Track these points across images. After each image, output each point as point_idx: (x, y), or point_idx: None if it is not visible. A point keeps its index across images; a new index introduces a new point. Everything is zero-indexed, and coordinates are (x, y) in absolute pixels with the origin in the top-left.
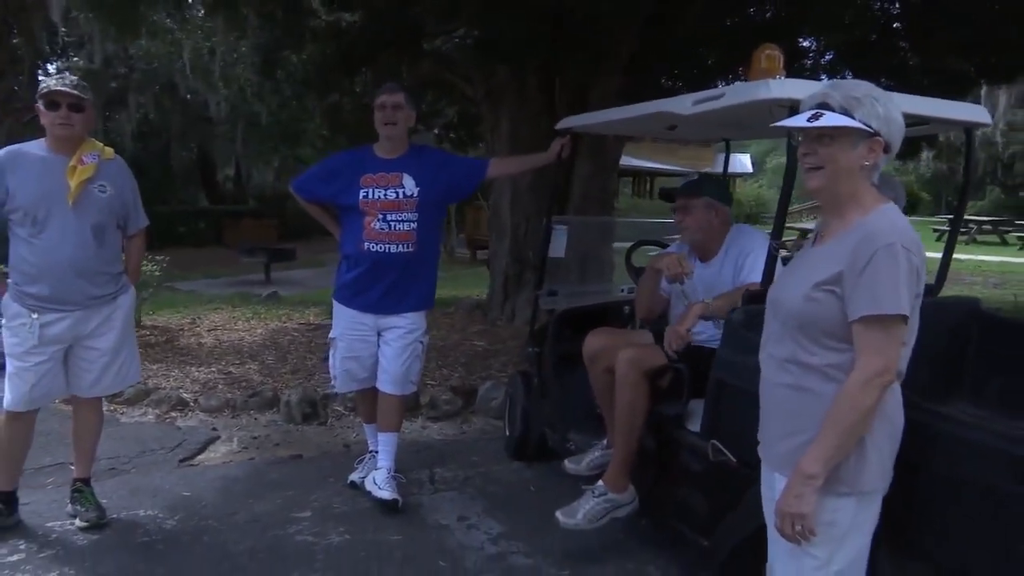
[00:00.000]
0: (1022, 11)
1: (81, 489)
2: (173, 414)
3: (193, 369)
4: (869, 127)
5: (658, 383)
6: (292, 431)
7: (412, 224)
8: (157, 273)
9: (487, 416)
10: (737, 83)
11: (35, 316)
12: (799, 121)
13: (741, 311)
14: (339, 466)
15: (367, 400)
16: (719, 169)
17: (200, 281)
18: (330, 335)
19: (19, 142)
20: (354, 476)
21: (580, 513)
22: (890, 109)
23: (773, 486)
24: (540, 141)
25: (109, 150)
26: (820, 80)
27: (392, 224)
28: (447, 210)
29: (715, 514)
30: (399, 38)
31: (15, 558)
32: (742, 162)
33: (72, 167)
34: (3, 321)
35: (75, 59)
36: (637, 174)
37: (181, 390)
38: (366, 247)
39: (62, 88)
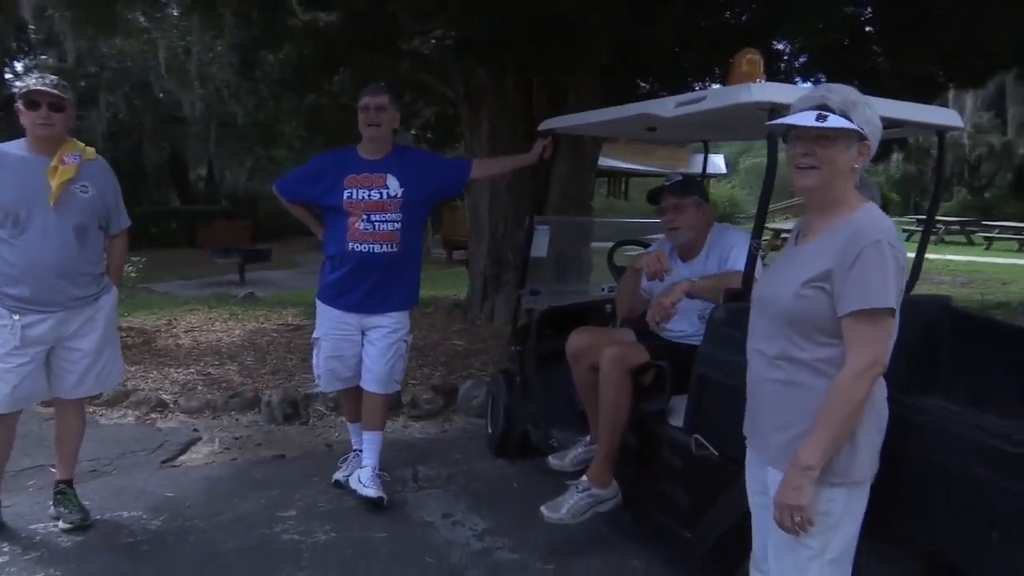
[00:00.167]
0: (991, 17)
1: (64, 491)
2: (153, 415)
3: (172, 370)
4: (862, 130)
5: (641, 380)
6: (274, 431)
7: (396, 224)
8: (133, 274)
9: (468, 415)
10: (719, 87)
11: (16, 318)
12: (808, 120)
13: (723, 309)
14: (322, 465)
15: (351, 399)
16: (693, 169)
17: (174, 282)
18: (314, 335)
19: None
20: (338, 475)
21: (564, 508)
22: (874, 113)
23: (764, 480)
24: (519, 142)
25: (91, 150)
26: (795, 83)
27: (376, 224)
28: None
29: (698, 507)
30: (377, 38)
31: (0, 560)
32: (716, 163)
33: (53, 167)
34: None
35: (43, 57)
36: (611, 174)
37: (160, 391)
38: (350, 247)
39: (42, 88)
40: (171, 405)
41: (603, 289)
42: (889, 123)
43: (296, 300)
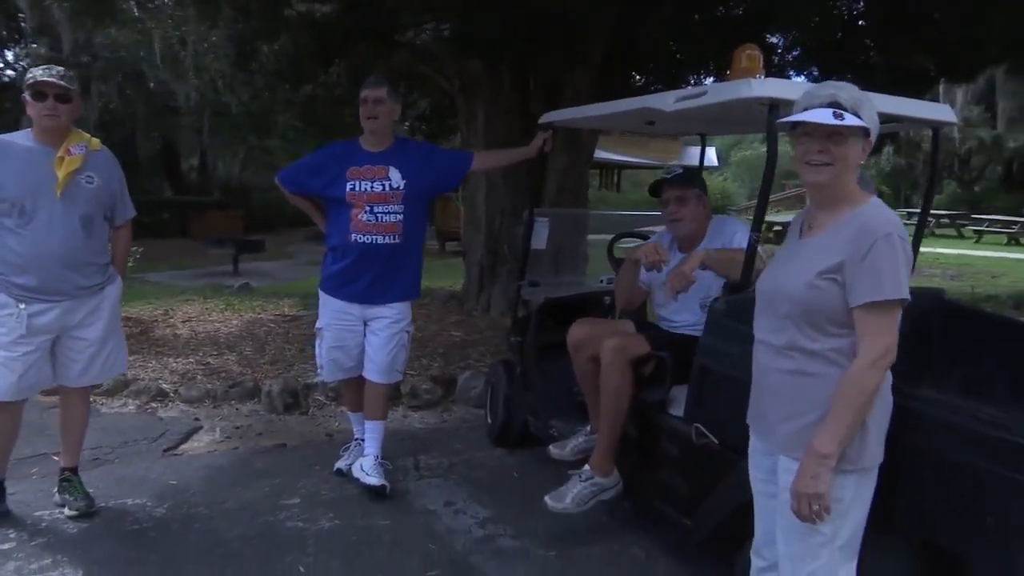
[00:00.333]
0: (982, 12)
1: (69, 479)
2: (153, 404)
3: (171, 360)
4: (868, 127)
5: (641, 370)
6: (274, 421)
7: (398, 216)
8: (130, 264)
9: (467, 405)
10: (715, 82)
11: (22, 306)
12: (827, 117)
13: (723, 300)
14: (323, 454)
15: (352, 389)
16: (684, 161)
17: (167, 272)
18: (317, 325)
19: None
20: (340, 464)
21: (568, 497)
22: (875, 110)
23: (769, 468)
24: (515, 134)
25: (96, 141)
26: (788, 77)
27: (379, 216)
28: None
29: (698, 495)
30: (374, 30)
31: (6, 546)
32: (708, 156)
33: (60, 158)
34: None
35: (34, 45)
36: (604, 166)
37: (160, 381)
38: (353, 238)
39: (49, 79)
40: (171, 394)
41: (601, 281)
42: (886, 118)
43: (291, 291)
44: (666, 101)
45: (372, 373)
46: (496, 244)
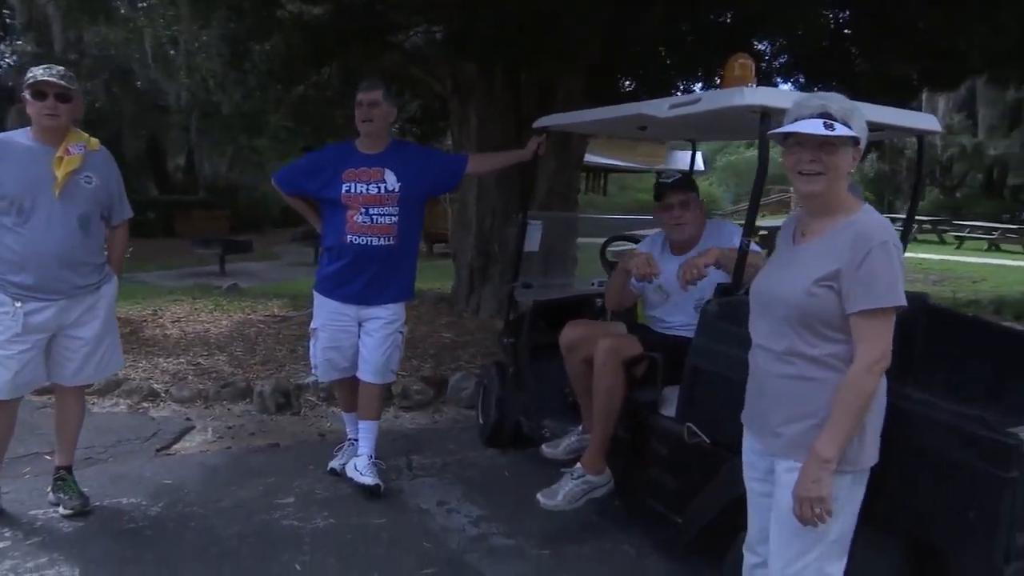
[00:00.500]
0: (964, 24)
1: (64, 477)
2: (145, 404)
3: (161, 360)
4: (858, 137)
5: (634, 371)
6: (266, 421)
7: (394, 218)
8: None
9: (458, 406)
10: (705, 90)
11: (19, 305)
12: (817, 128)
13: (716, 303)
14: (316, 454)
15: (347, 389)
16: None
17: (154, 272)
18: (311, 325)
19: None
20: (334, 463)
21: (560, 494)
22: (863, 119)
23: (764, 468)
24: (508, 137)
25: (95, 141)
26: (776, 84)
27: (374, 218)
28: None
29: (688, 493)
30: (366, 31)
31: (2, 545)
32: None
33: (59, 158)
34: None
35: (19, 42)
36: (590, 170)
37: (151, 381)
38: (348, 240)
39: (49, 78)
40: (163, 394)
41: (593, 284)
42: (873, 127)
43: (280, 291)
44: (660, 108)
45: (366, 374)
46: (486, 246)
